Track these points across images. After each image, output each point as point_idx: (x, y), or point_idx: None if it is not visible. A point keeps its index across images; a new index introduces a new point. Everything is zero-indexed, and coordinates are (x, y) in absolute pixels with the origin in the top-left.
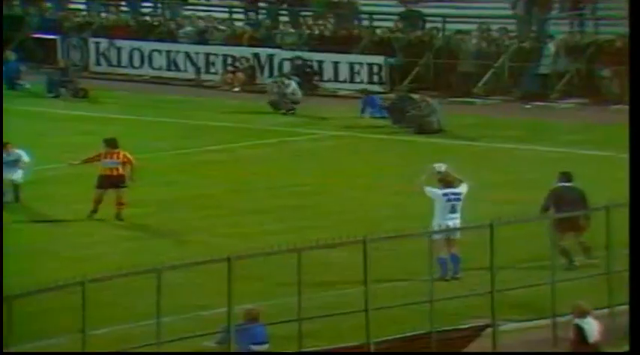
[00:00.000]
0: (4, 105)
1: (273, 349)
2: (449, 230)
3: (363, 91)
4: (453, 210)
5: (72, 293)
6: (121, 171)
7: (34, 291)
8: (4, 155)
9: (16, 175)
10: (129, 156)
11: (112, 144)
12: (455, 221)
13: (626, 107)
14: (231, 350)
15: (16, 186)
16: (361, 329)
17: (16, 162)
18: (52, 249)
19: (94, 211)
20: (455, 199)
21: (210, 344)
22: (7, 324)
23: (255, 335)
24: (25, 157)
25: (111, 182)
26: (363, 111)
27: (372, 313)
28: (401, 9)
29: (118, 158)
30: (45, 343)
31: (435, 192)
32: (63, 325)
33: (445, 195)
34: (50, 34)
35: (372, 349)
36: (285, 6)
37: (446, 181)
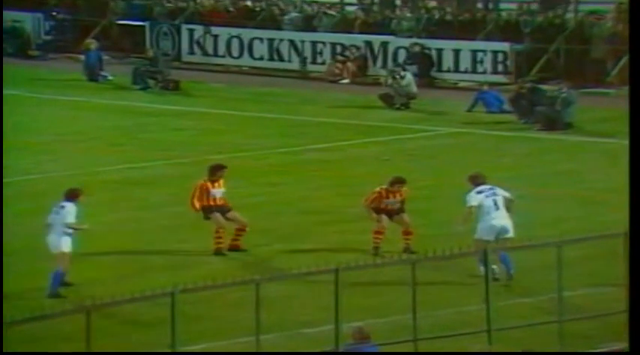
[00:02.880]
0: (80, 98)
1: None
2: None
3: (482, 84)
4: (496, 207)
5: (161, 305)
6: (399, 206)
7: (119, 301)
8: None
9: (61, 240)
10: (404, 194)
11: (397, 181)
12: (503, 219)
13: None
14: None
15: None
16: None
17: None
18: (142, 254)
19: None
20: (492, 194)
21: None
22: (85, 335)
23: None
24: (71, 215)
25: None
26: (471, 107)
27: (494, 334)
28: None
29: (400, 197)
30: None
31: (472, 196)
32: (150, 339)
33: (480, 192)
34: (138, 21)
35: None
36: None
37: (476, 180)
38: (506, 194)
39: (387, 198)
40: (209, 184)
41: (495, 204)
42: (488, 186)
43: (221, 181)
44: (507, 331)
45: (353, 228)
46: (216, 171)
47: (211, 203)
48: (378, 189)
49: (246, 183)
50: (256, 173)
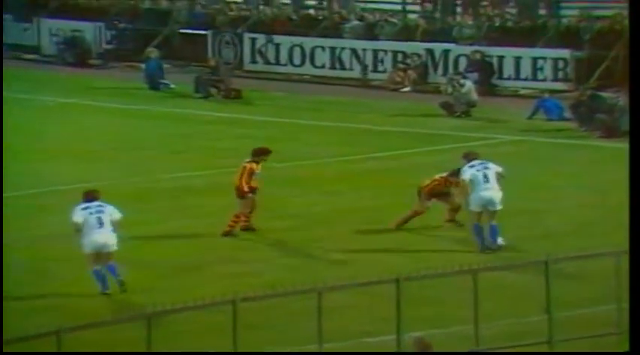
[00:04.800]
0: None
1: None
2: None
3: (543, 92)
4: (486, 179)
5: (221, 313)
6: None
7: (180, 308)
8: (85, 204)
9: (106, 238)
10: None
11: (458, 173)
12: (491, 191)
13: None
14: None
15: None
16: None
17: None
18: (200, 263)
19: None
20: (483, 168)
21: None
22: (146, 343)
23: None
24: (117, 214)
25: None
26: (532, 115)
27: (557, 344)
28: None
29: (457, 187)
30: None
31: (465, 170)
32: (210, 347)
33: (472, 166)
34: (200, 30)
35: None
36: None
37: (469, 157)
38: (499, 169)
39: (445, 186)
40: (254, 166)
41: (485, 176)
42: (479, 161)
43: (261, 164)
44: (568, 342)
45: (413, 238)
46: (261, 154)
47: (255, 185)
48: (437, 177)
49: (305, 192)
50: (316, 181)
